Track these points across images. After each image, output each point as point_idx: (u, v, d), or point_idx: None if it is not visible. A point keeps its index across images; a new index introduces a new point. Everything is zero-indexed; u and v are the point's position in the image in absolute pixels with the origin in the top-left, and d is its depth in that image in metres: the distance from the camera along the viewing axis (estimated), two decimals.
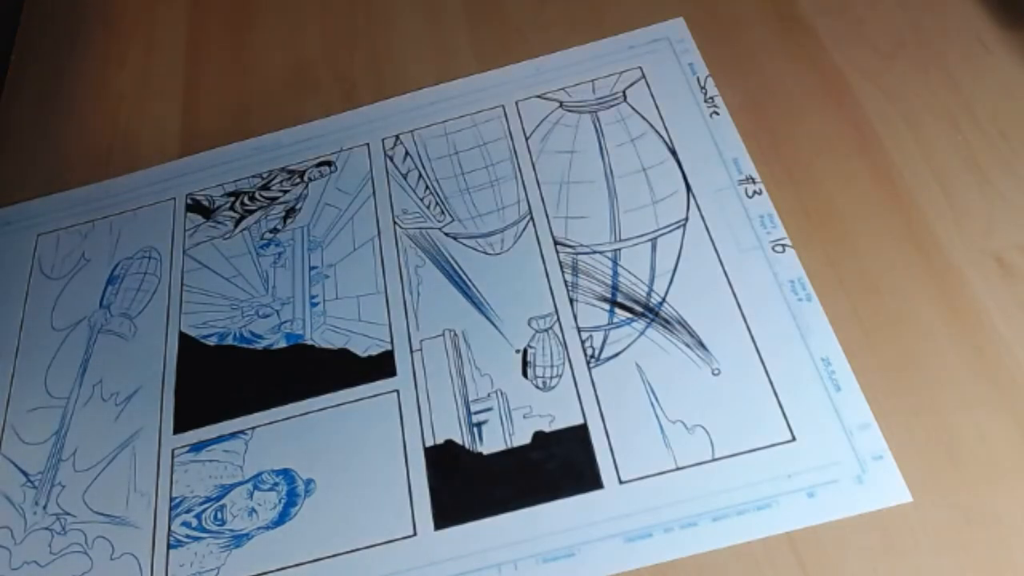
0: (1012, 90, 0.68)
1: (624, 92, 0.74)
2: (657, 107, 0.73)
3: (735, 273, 0.63)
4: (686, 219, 0.67)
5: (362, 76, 0.83)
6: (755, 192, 0.66)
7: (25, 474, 0.65)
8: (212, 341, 0.68)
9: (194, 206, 0.77)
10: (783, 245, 0.64)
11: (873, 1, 0.74)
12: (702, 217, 0.66)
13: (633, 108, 0.74)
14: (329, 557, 0.58)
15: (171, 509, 0.61)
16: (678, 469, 0.57)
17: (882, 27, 0.73)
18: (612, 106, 0.74)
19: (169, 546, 0.60)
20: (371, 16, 0.87)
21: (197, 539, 0.60)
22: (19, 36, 0.95)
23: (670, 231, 0.66)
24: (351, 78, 0.84)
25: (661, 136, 0.71)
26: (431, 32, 0.83)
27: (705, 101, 0.72)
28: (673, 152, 0.70)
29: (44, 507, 0.63)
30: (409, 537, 0.58)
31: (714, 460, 0.57)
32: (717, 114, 0.71)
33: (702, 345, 0.61)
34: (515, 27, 0.81)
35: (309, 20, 0.90)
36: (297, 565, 0.58)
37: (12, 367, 0.70)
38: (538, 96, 0.76)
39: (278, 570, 0.58)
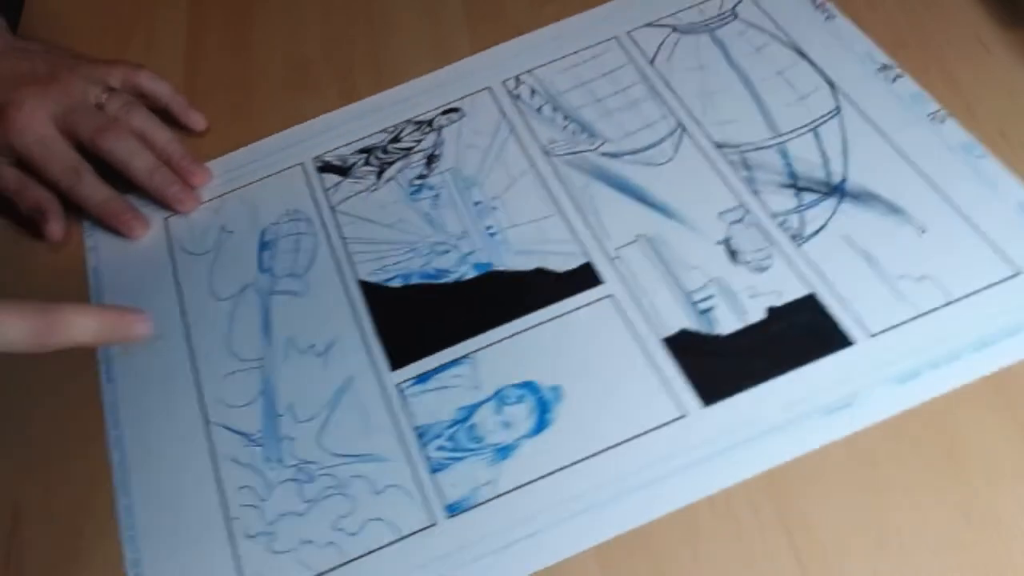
0: (1012, 90, 0.71)
1: (734, 10, 0.78)
2: (772, 19, 0.76)
3: (905, 146, 0.67)
4: (838, 108, 0.70)
5: (362, 76, 0.85)
6: (896, 76, 0.71)
7: (244, 435, 0.64)
8: (396, 283, 0.68)
9: (326, 167, 0.76)
10: (942, 116, 0.67)
11: (873, 1, 0.78)
12: (853, 104, 0.70)
13: (747, 23, 0.77)
14: (604, 451, 0.58)
15: (418, 438, 0.61)
16: (921, 316, 0.60)
17: (882, 27, 0.76)
18: (726, 23, 0.77)
19: (432, 470, 0.59)
20: (372, 15, 0.90)
21: (459, 459, 0.60)
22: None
23: (826, 120, 0.70)
24: (351, 78, 0.85)
25: (784, 43, 0.75)
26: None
27: (816, 8, 0.76)
28: (802, 54, 0.74)
29: (279, 461, 0.62)
30: (679, 419, 0.58)
31: (952, 303, 0.60)
32: (832, 18, 0.75)
33: (899, 210, 0.64)
34: None
35: (310, 17, 0.91)
36: (573, 464, 0.58)
37: (187, 340, 0.69)
38: (648, 24, 0.79)
39: (557, 471, 0.58)
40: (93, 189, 0.74)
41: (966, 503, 0.53)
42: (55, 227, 0.75)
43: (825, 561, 0.53)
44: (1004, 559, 0.51)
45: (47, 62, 0.78)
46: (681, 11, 0.79)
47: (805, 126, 0.69)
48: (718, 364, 0.60)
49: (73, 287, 0.74)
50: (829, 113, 0.70)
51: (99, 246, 0.76)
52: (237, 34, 0.92)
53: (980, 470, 0.54)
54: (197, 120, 0.81)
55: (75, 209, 0.77)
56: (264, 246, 0.72)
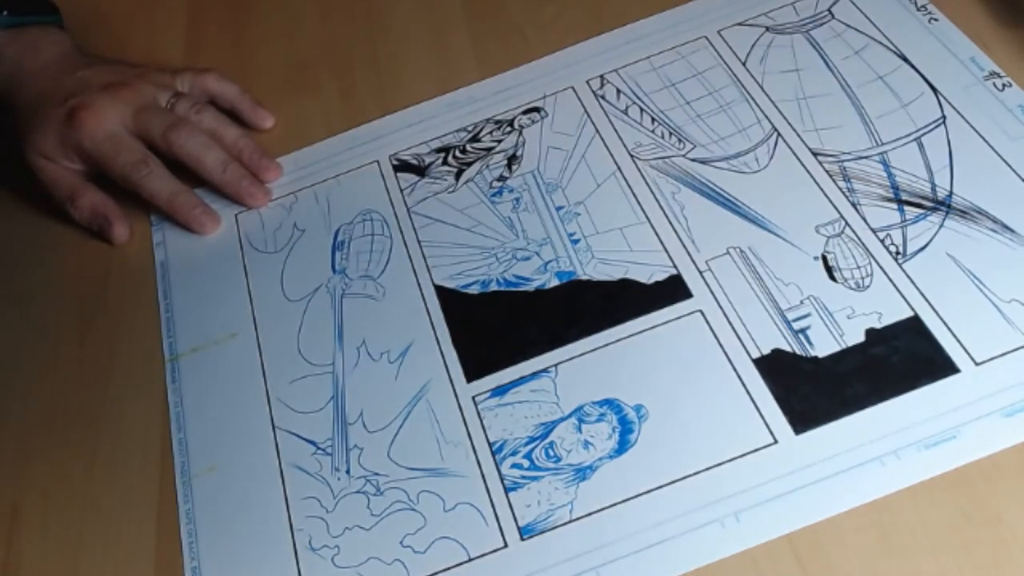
0: None
1: (830, 10, 0.74)
2: (871, 20, 0.73)
3: (1016, 160, 0.63)
4: (943, 117, 0.66)
5: (361, 74, 0.83)
6: (1004, 85, 0.67)
7: (312, 443, 0.61)
8: (475, 290, 0.65)
9: (402, 166, 0.74)
10: None
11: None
12: (959, 113, 0.66)
13: (845, 24, 0.73)
14: (687, 477, 0.55)
15: (494, 454, 0.58)
16: None
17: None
18: (822, 24, 0.74)
19: (507, 489, 0.57)
20: (370, 13, 0.88)
21: (535, 478, 0.57)
22: None
23: (931, 130, 0.66)
24: (351, 76, 0.83)
25: (885, 46, 0.71)
26: None
27: (919, 10, 0.72)
28: (904, 58, 0.70)
29: (347, 471, 0.59)
30: (770, 446, 0.55)
31: None
32: (936, 20, 0.71)
33: (1008, 228, 0.60)
34: None
35: (309, 16, 0.90)
36: (658, 488, 0.55)
37: (256, 342, 0.66)
38: (739, 24, 0.75)
39: (639, 495, 0.55)
40: (163, 183, 0.73)
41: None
42: (120, 231, 0.75)
43: None
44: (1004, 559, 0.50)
45: (115, 71, 0.78)
46: (774, 10, 0.75)
47: (908, 135, 0.65)
48: (813, 388, 0.56)
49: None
50: (934, 122, 0.66)
51: (167, 241, 0.75)
52: (236, 33, 0.91)
53: None
54: (264, 117, 0.80)
55: (141, 204, 0.76)
56: (338, 246, 0.70)
